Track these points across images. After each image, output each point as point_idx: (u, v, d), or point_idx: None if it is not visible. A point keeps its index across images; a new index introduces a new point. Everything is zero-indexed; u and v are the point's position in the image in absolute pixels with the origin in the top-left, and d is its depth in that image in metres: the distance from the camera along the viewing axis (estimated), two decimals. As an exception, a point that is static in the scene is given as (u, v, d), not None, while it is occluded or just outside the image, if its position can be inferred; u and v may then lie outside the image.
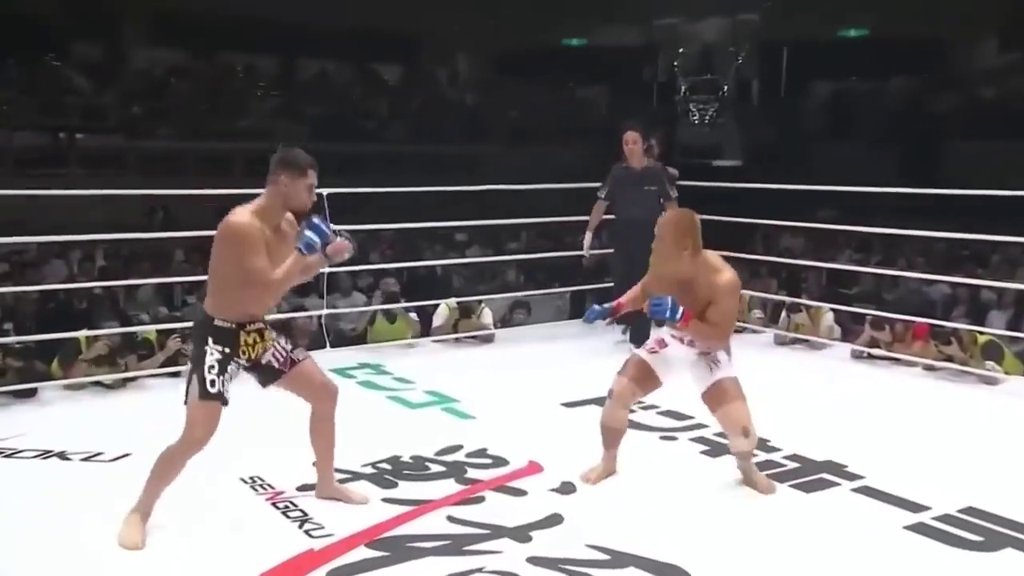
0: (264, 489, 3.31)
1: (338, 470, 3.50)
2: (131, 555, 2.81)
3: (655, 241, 3.30)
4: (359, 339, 6.11)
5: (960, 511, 3.19)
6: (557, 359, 5.55)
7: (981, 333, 5.18)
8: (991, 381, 4.89)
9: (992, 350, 4.99)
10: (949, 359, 5.06)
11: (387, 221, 9.67)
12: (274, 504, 3.19)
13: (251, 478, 3.40)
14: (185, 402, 2.93)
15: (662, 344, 3.44)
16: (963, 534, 3.03)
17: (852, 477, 3.51)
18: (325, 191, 5.39)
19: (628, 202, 5.50)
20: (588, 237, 5.91)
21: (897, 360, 5.35)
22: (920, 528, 3.08)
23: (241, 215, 2.88)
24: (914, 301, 7.47)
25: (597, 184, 5.81)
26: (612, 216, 5.79)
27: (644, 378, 3.42)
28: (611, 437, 3.48)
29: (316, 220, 2.92)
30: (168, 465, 2.94)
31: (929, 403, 4.64)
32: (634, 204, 5.40)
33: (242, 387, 3.01)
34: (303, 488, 3.30)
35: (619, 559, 2.82)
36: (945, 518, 3.14)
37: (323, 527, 3.01)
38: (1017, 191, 4.93)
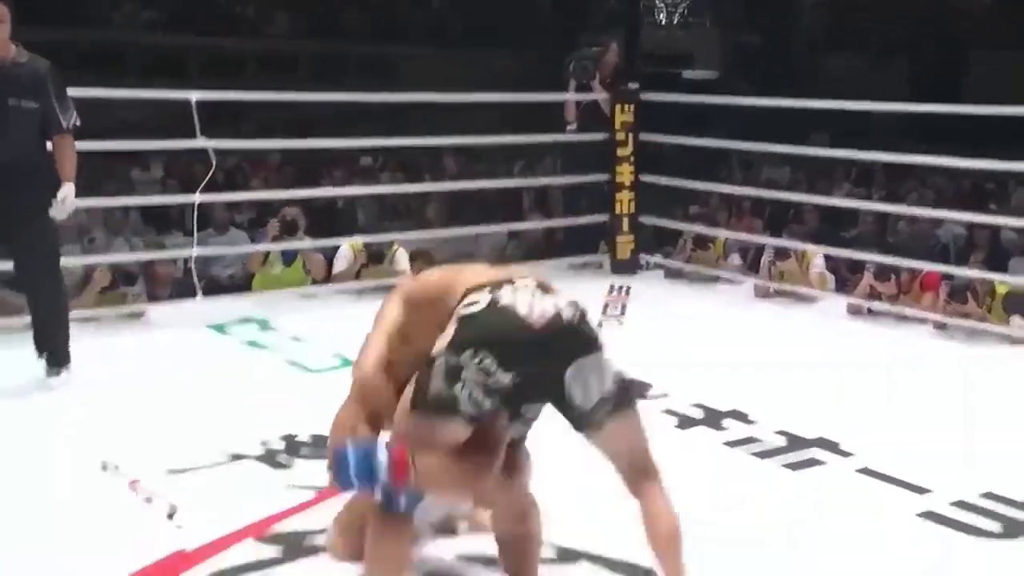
0: (123, 475, 3.30)
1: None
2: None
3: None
4: (240, 287, 6.04)
5: (978, 495, 3.33)
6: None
7: (1001, 283, 5.37)
8: (1017, 341, 5.09)
9: (1016, 303, 5.19)
10: (965, 316, 5.26)
11: (270, 138, 9.51)
12: (136, 493, 3.19)
13: (104, 464, 3.38)
14: None
15: None
16: (981, 521, 3.17)
17: (846, 455, 3.64)
18: (193, 96, 5.29)
19: None
20: None
21: (903, 317, 5.52)
22: (931, 516, 3.21)
23: None
24: (923, 245, 7.67)
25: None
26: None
27: None
28: None
29: None
30: None
31: (942, 369, 4.80)
32: None
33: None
34: (173, 472, 3.29)
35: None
36: (960, 504, 3.28)
37: (197, 520, 2.99)
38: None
